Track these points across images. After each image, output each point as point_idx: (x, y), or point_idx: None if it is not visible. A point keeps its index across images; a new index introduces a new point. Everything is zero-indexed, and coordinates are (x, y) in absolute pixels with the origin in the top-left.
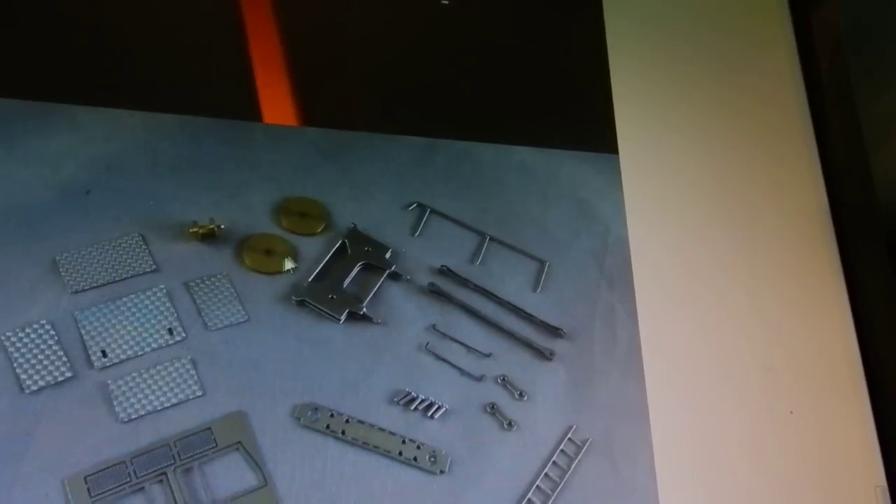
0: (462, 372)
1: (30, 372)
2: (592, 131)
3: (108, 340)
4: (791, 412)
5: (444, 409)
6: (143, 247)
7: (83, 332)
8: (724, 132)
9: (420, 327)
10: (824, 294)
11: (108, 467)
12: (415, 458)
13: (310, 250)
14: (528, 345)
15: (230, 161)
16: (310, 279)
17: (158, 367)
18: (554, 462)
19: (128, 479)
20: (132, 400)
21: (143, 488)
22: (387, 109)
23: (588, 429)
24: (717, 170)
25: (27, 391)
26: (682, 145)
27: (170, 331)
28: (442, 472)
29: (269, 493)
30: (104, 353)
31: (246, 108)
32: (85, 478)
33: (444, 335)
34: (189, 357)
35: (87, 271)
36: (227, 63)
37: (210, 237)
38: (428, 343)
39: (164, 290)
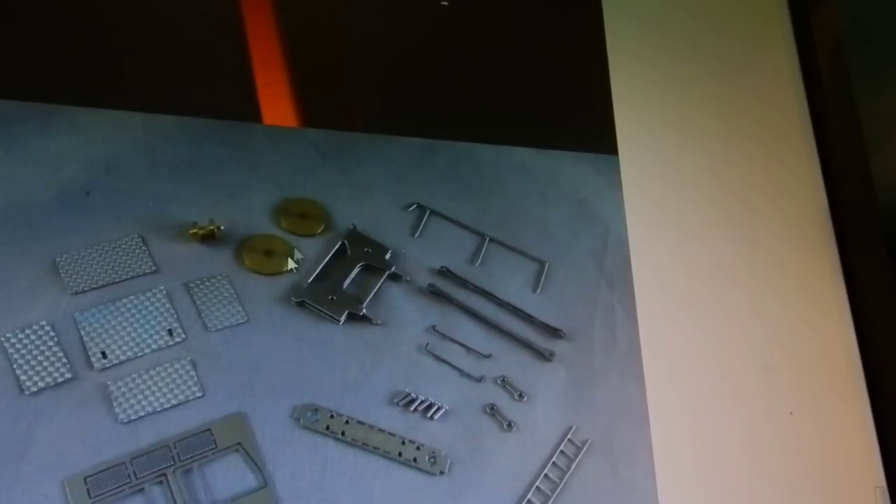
0: (462, 373)
1: (29, 373)
2: (592, 132)
3: (108, 342)
4: (791, 413)
5: (443, 410)
6: (143, 248)
7: (83, 333)
8: (724, 132)
9: (420, 328)
10: (824, 294)
11: (107, 468)
12: (414, 459)
13: (309, 251)
14: (527, 345)
15: (230, 162)
16: (309, 280)
17: (158, 369)
18: (554, 463)
19: (127, 480)
20: (132, 401)
21: (142, 489)
22: (387, 110)
23: (588, 429)
24: (716, 170)
25: (27, 392)
26: (681, 145)
27: (169, 332)
28: (441, 472)
29: (268, 494)
30: (104, 355)
31: (246, 109)
32: (85, 479)
33: (444, 336)
34: (189, 358)
35: (87, 272)
36: (227, 64)
37: (210, 238)
38: (428, 344)
39: (164, 292)
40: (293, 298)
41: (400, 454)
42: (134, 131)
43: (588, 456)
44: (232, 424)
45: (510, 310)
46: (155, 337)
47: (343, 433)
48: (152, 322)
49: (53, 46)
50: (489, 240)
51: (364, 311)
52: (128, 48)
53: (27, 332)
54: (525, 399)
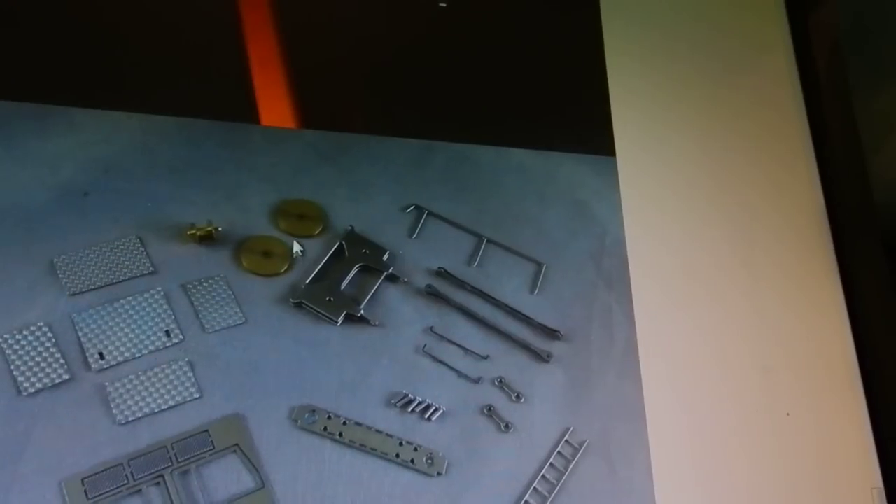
0: (459, 374)
1: (27, 374)
2: (590, 133)
3: (106, 342)
4: (788, 414)
5: (441, 411)
6: (141, 249)
7: (80, 334)
8: (722, 133)
9: (417, 329)
10: (821, 294)
11: (105, 469)
12: (412, 461)
13: (307, 252)
14: (525, 347)
15: (228, 163)
16: (307, 281)
17: (156, 370)
18: (551, 464)
19: (125, 482)
20: (129, 402)
21: (140, 490)
22: (385, 111)
23: (585, 430)
24: (714, 170)
25: (24, 393)
26: (679, 146)
27: (167, 333)
28: (439, 474)
29: (266, 495)
30: (101, 356)
31: (244, 110)
32: (82, 480)
33: (442, 337)
34: (186, 359)
35: (85, 273)
36: (225, 66)
37: (208, 239)
38: (425, 345)
39: (162, 293)
40: (291, 299)
41: (397, 455)
42: (132, 132)
43: (585, 457)
44: (229, 425)
45: (508, 311)
46: (153, 338)
47: (341, 434)
48: (150, 323)
49: (52, 47)
50: (487, 241)
51: (362, 312)
52: (126, 49)
53: (25, 332)
54: (522, 400)
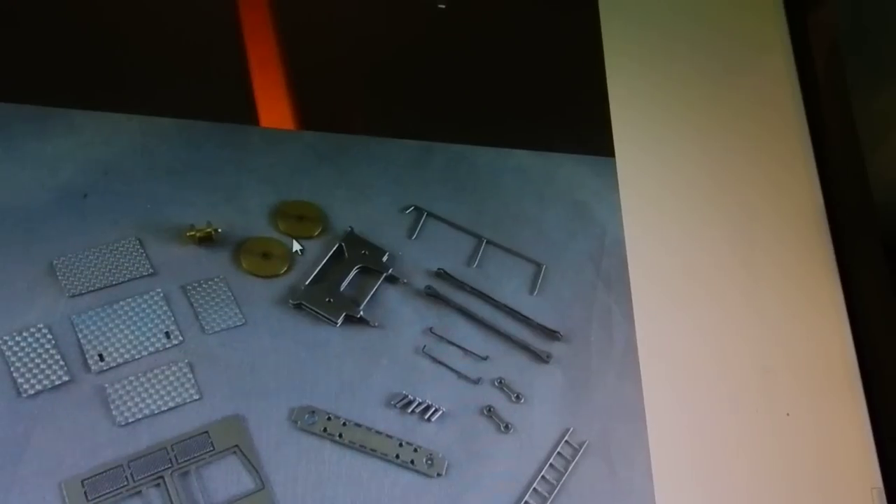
0: (459, 375)
1: (27, 376)
2: (589, 134)
3: (106, 344)
4: (788, 414)
5: (441, 412)
6: (141, 250)
7: (80, 335)
8: (721, 133)
9: (417, 330)
10: (821, 294)
11: (105, 471)
12: (412, 461)
13: (307, 253)
14: (524, 347)
15: (227, 164)
16: (307, 282)
17: (156, 371)
18: (551, 464)
19: (125, 483)
20: (129, 403)
21: (140, 492)
22: (384, 112)
23: (585, 431)
24: (713, 171)
25: (24, 395)
26: (678, 147)
27: (167, 334)
28: (439, 474)
29: (266, 496)
30: (101, 357)
31: (243, 111)
32: (82, 481)
33: (441, 338)
34: (186, 360)
35: (85, 275)
36: (224, 67)
37: (207, 240)
38: (425, 346)
39: (162, 294)
40: (290, 301)
41: (397, 456)
42: (131, 134)
43: (585, 457)
44: (229, 427)
45: (507, 312)
46: (152, 339)
47: (340, 435)
48: (149, 324)
49: (51, 49)
50: (486, 242)
51: (361, 313)
52: (126, 51)
53: (24, 334)
54: (522, 401)
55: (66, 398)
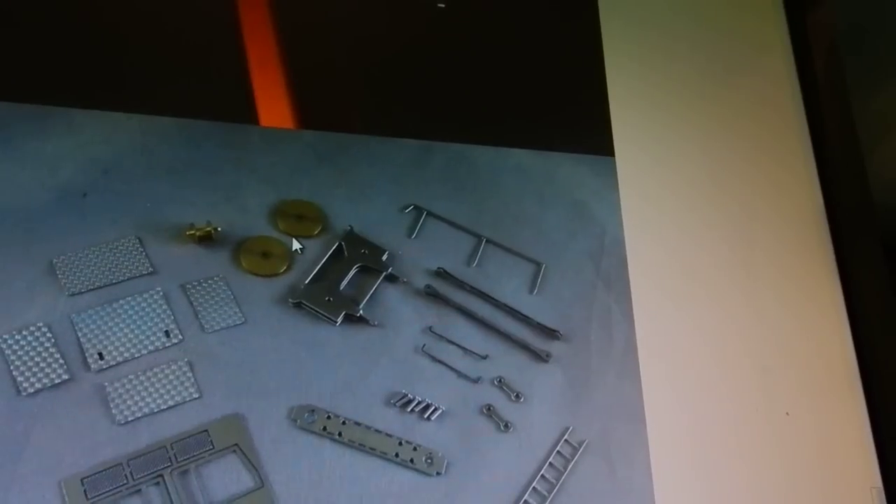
0: (459, 374)
1: (26, 374)
2: (589, 133)
3: (105, 343)
4: (787, 413)
5: (440, 411)
6: (140, 249)
7: (80, 334)
8: (720, 133)
9: (416, 329)
10: (821, 294)
11: (104, 469)
12: (411, 460)
13: (307, 253)
14: (524, 346)
15: (227, 164)
16: (306, 281)
17: (155, 370)
18: (550, 464)
19: (125, 482)
20: (129, 402)
21: (139, 490)
22: (383, 112)
23: (584, 430)
24: (713, 171)
25: (24, 393)
26: (677, 146)
27: (167, 333)
28: (438, 473)
29: (265, 494)
30: (101, 356)
31: (243, 111)
32: (82, 480)
33: (441, 337)
34: (186, 359)
35: (84, 274)
36: (224, 66)
37: (207, 240)
38: (424, 345)
39: (161, 293)
40: (290, 300)
41: (397, 455)
42: (131, 133)
43: (585, 456)
44: (229, 425)
45: (507, 311)
46: (152, 338)
47: (340, 434)
48: (149, 323)
49: (51, 48)
50: (486, 241)
51: (361, 312)
52: (126, 50)
53: (24, 333)
54: (522, 400)
55: (65, 397)
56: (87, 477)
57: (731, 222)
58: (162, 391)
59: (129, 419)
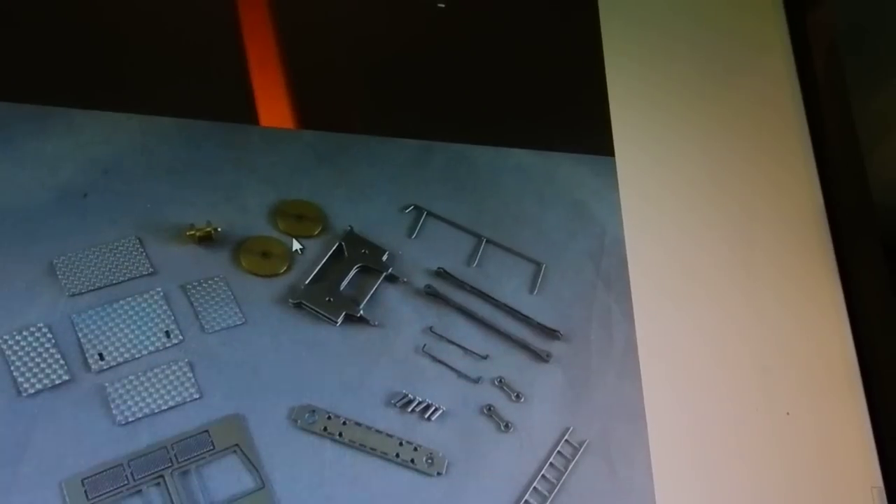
0: (459, 374)
1: (27, 375)
2: (589, 133)
3: (106, 343)
4: (788, 413)
5: (441, 411)
6: (140, 250)
7: (80, 334)
8: (720, 133)
9: (417, 329)
10: (821, 294)
11: (105, 470)
12: (412, 460)
13: (307, 253)
14: (524, 347)
15: (227, 164)
16: (307, 282)
17: (156, 370)
18: (551, 464)
19: (125, 482)
20: (129, 402)
21: (140, 491)
22: (383, 112)
23: (585, 430)
24: (713, 171)
25: (24, 394)
26: (677, 146)
27: (167, 333)
28: (439, 473)
29: (266, 495)
30: (101, 356)
31: (243, 111)
32: (82, 480)
33: (441, 337)
34: (186, 360)
35: (84, 274)
36: (224, 66)
37: (207, 240)
38: (425, 345)
39: (161, 293)
40: (290, 300)
41: (397, 455)
42: (131, 133)
43: (585, 456)
44: (229, 426)
45: (507, 311)
46: (152, 338)
47: (340, 434)
48: (149, 324)
49: (51, 48)
50: (486, 241)
51: (361, 312)
52: (126, 50)
53: (24, 333)
54: (522, 400)
55: (66, 397)
56: (88, 477)
57: (731, 222)
58: (162, 391)
59: (130, 420)
